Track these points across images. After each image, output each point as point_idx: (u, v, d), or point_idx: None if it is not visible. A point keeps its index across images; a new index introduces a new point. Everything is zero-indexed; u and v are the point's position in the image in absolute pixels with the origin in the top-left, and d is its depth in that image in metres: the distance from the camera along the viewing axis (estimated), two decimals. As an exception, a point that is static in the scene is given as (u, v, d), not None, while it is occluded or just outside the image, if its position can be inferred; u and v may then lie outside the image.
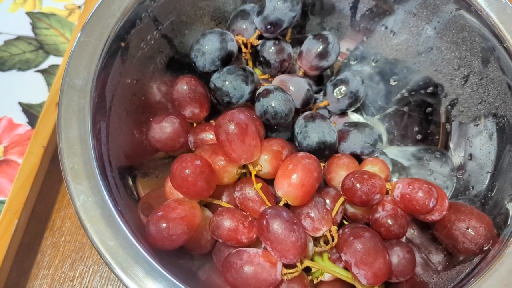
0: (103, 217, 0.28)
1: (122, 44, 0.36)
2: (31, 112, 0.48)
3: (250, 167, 0.36)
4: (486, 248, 0.32)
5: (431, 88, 0.43)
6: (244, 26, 0.42)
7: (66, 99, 0.31)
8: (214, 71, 0.40)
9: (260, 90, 0.39)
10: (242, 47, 0.42)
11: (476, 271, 0.30)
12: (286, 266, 0.33)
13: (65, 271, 0.43)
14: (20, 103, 0.49)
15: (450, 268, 0.33)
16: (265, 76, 0.44)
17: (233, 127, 0.33)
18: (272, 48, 0.42)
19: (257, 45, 0.43)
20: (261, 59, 0.43)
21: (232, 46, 0.41)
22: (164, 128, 0.39)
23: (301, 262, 0.33)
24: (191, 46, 0.41)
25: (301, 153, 0.36)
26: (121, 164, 0.35)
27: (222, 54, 0.40)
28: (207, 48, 0.39)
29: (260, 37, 0.43)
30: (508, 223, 0.32)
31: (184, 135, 0.40)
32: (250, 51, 0.43)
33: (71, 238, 0.44)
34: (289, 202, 0.35)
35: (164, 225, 0.32)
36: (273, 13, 0.39)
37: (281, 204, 0.35)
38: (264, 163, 0.36)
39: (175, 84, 0.39)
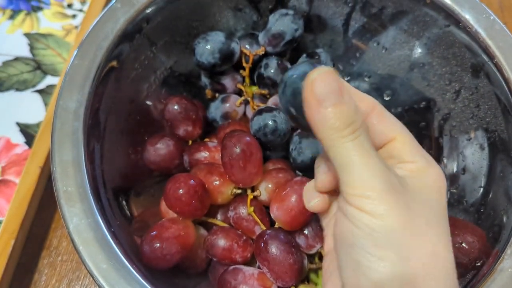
0: (96, 240, 0.28)
1: (116, 65, 0.37)
2: (28, 132, 0.49)
3: (248, 191, 0.36)
4: (479, 264, 0.32)
5: (424, 103, 0.44)
6: (248, 47, 0.43)
7: (60, 122, 0.32)
8: (209, 64, 0.41)
9: (262, 107, 0.39)
10: (244, 62, 0.43)
11: (469, 288, 0.30)
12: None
13: (62, 291, 0.43)
14: (17, 123, 0.49)
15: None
16: (264, 92, 0.43)
17: (237, 152, 0.34)
18: (276, 67, 0.42)
19: (260, 68, 0.43)
20: (267, 81, 0.42)
21: (235, 48, 0.41)
22: (158, 150, 0.39)
23: (296, 287, 0.33)
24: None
25: (298, 178, 0.35)
26: (115, 185, 0.36)
27: (223, 48, 0.40)
28: (211, 37, 0.40)
29: (260, 59, 0.43)
30: (500, 239, 0.32)
31: (179, 156, 0.40)
32: (251, 65, 0.43)
33: (68, 258, 0.45)
34: (281, 226, 0.35)
35: (158, 244, 0.32)
36: (275, 25, 0.41)
37: (276, 226, 0.35)
38: (264, 191, 0.36)
39: (165, 105, 0.40)
